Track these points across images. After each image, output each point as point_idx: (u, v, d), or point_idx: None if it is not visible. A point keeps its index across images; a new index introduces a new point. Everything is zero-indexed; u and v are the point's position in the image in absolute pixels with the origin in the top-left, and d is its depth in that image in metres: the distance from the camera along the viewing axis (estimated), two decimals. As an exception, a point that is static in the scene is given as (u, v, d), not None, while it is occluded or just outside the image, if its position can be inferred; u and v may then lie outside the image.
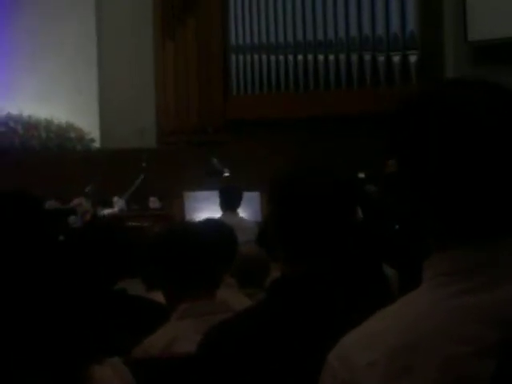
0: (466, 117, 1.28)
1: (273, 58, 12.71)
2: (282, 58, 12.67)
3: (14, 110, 12.88)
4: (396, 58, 12.30)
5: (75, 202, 10.07)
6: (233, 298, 3.28)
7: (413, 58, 12.24)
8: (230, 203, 8.14)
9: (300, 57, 12.62)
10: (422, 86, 11.66)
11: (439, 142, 1.27)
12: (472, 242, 1.27)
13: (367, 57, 12.40)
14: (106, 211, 10.77)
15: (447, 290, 1.26)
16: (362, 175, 9.58)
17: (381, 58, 12.35)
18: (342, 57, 12.48)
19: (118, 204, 11.31)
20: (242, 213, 8.44)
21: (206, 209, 8.81)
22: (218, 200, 8.32)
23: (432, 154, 1.28)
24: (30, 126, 12.86)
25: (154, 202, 11.74)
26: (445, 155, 1.27)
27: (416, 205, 1.32)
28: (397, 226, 6.24)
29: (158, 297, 3.56)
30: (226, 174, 10.70)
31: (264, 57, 12.74)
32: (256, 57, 12.76)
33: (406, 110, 1.36)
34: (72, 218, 9.43)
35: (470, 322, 1.22)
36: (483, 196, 1.26)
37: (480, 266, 1.26)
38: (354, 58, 12.44)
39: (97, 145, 13.12)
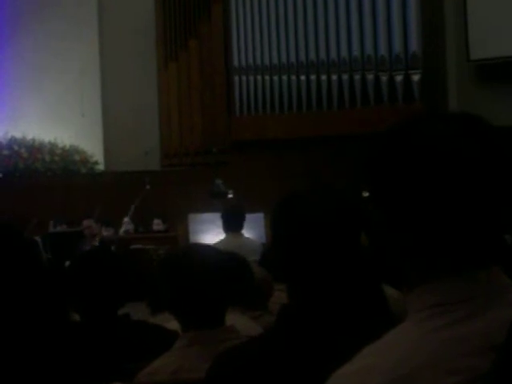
0: (442, 152, 1.26)
1: (276, 78, 12.73)
2: (285, 78, 12.69)
3: (17, 134, 12.90)
4: (399, 78, 12.31)
5: (85, 223, 10.06)
6: (239, 322, 3.24)
7: (416, 77, 12.26)
8: (232, 224, 8.09)
9: (303, 77, 12.64)
10: (425, 105, 11.69)
11: (416, 176, 1.26)
12: (455, 272, 1.27)
13: (370, 76, 12.42)
14: (107, 233, 10.75)
15: (434, 323, 1.25)
16: (366, 194, 9.57)
17: (384, 78, 12.36)
18: (345, 77, 12.49)
19: (126, 225, 11.31)
20: (246, 234, 8.41)
21: (210, 231, 8.78)
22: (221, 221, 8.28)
23: (409, 190, 1.27)
24: (34, 149, 12.88)
25: (158, 225, 11.73)
26: (422, 191, 1.26)
27: (394, 239, 1.31)
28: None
29: (164, 321, 3.54)
30: (230, 196, 10.68)
31: (267, 77, 12.76)
32: (259, 78, 12.78)
33: (381, 148, 1.34)
34: (82, 242, 9.41)
35: (460, 352, 1.21)
36: (463, 229, 1.25)
37: (464, 297, 1.25)
38: (357, 77, 12.46)
39: (101, 167, 13.13)
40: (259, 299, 4.26)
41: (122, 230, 11.37)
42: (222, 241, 7.72)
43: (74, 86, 13.08)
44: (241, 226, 8.09)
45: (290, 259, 1.98)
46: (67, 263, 4.75)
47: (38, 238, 8.49)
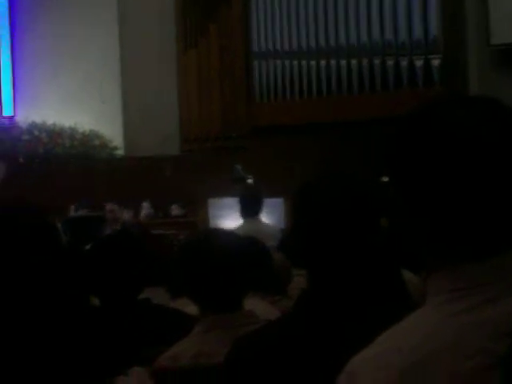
0: (462, 137, 1.26)
1: (295, 63, 12.69)
2: (304, 63, 12.65)
3: (37, 119, 12.94)
4: (419, 62, 12.24)
5: (108, 207, 10.09)
6: (259, 307, 3.25)
7: (436, 62, 12.18)
8: (250, 209, 8.06)
9: (323, 62, 12.59)
10: (445, 89, 11.63)
11: (436, 163, 1.26)
12: (474, 257, 1.26)
13: (390, 61, 12.36)
14: (128, 215, 10.79)
15: (452, 308, 1.25)
16: (386, 179, 9.54)
17: (403, 63, 12.30)
18: (365, 62, 12.43)
19: (145, 210, 11.34)
20: (265, 219, 8.40)
21: (229, 216, 8.78)
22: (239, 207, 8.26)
23: (429, 175, 1.27)
24: (55, 134, 12.92)
25: (175, 209, 11.75)
26: (442, 176, 1.26)
27: (413, 225, 1.32)
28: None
29: (183, 305, 3.55)
30: (250, 181, 10.68)
31: (287, 63, 12.72)
32: (278, 63, 12.74)
33: (401, 132, 1.34)
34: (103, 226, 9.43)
35: (476, 337, 1.21)
36: (484, 212, 1.25)
37: (483, 282, 1.25)
38: (377, 62, 12.40)
39: (121, 152, 13.16)
40: (278, 284, 4.27)
41: (141, 214, 11.41)
42: (239, 226, 7.71)
43: (94, 71, 13.09)
44: (258, 211, 8.07)
45: (310, 245, 1.99)
46: (87, 247, 4.76)
47: (58, 224, 8.53)
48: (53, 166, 12.43)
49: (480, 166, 1.24)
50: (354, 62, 12.46)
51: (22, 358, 2.17)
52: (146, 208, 11.36)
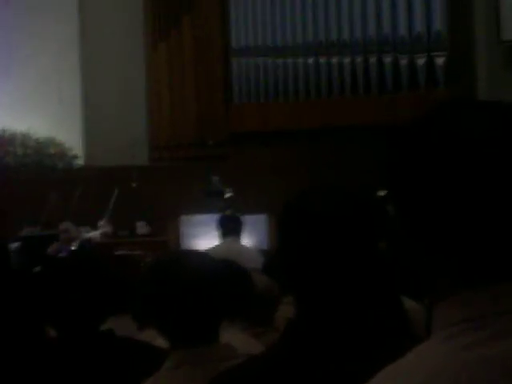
0: (473, 150, 1.25)
1: (280, 61, 12.72)
2: (290, 61, 12.68)
3: (-15, 124, 12.90)
4: (421, 61, 12.30)
5: (62, 227, 10.05)
6: (238, 339, 3.24)
7: (440, 60, 12.25)
8: (229, 228, 8.12)
9: (311, 60, 12.63)
10: (450, 91, 11.68)
11: (445, 176, 1.26)
12: (488, 284, 1.25)
13: (387, 59, 12.41)
14: (92, 234, 10.75)
15: (460, 342, 1.24)
16: (382, 193, 9.55)
17: (403, 61, 12.35)
18: (359, 59, 12.48)
19: (104, 228, 11.29)
20: (246, 238, 8.41)
21: (204, 235, 8.78)
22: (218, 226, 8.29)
23: (436, 191, 1.26)
24: (4, 141, 12.86)
25: (142, 227, 11.72)
26: (452, 190, 1.25)
27: (417, 246, 1.31)
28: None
29: (152, 337, 3.53)
30: (228, 195, 10.67)
31: (269, 60, 12.75)
32: (261, 60, 12.77)
33: (403, 144, 1.34)
34: (53, 247, 9.41)
35: (488, 377, 1.20)
36: (499, 233, 1.24)
37: (495, 313, 1.24)
38: (373, 60, 12.44)
39: (80, 162, 13.12)
40: (262, 313, 4.25)
41: (100, 233, 11.34)
42: (216, 247, 7.73)
43: (50, 69, 13.05)
44: (239, 231, 8.13)
45: (298, 267, 1.98)
46: (36, 269, 4.75)
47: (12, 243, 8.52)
48: (2, 176, 12.37)
49: (494, 180, 1.24)
50: (346, 60, 12.51)
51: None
52: (103, 226, 11.29)
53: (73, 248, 9.49)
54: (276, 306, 4.37)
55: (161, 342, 3.24)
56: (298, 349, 1.91)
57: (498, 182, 1.24)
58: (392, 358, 1.32)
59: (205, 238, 8.62)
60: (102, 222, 11.30)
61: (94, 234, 10.77)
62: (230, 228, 8.07)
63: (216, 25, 13.06)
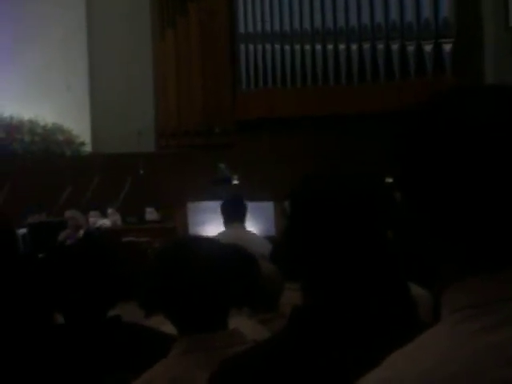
0: (482, 136, 1.25)
1: (287, 47, 12.70)
2: (297, 47, 12.66)
3: (-7, 111, 12.90)
4: (428, 47, 12.27)
5: (67, 214, 10.06)
6: (245, 326, 3.24)
7: (447, 47, 12.22)
8: (234, 215, 8.09)
9: (318, 46, 12.61)
10: (458, 78, 11.65)
11: (454, 162, 1.26)
12: (494, 270, 1.25)
13: (395, 46, 12.38)
14: (101, 222, 10.78)
15: (468, 328, 1.24)
16: (389, 180, 9.54)
17: (410, 48, 12.33)
18: (367, 46, 12.45)
19: (113, 216, 11.31)
20: (253, 225, 8.40)
21: (211, 221, 8.77)
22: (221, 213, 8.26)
23: (444, 177, 1.26)
24: (12, 128, 12.86)
25: (151, 214, 11.73)
26: (460, 176, 1.25)
27: (426, 232, 1.31)
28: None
29: (159, 323, 3.53)
30: (235, 182, 10.67)
31: (277, 46, 12.72)
32: (268, 46, 12.75)
33: (410, 130, 1.33)
34: (64, 233, 9.43)
35: (495, 364, 1.20)
36: (506, 219, 1.24)
37: (501, 299, 1.24)
38: (380, 47, 12.41)
39: (88, 149, 13.12)
40: (267, 299, 4.26)
41: (109, 220, 11.35)
42: (221, 234, 7.73)
43: (58, 56, 13.05)
44: (244, 217, 8.09)
45: (306, 253, 1.98)
46: (41, 256, 4.75)
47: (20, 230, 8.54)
48: (10, 164, 12.37)
49: (504, 166, 1.23)
50: (353, 46, 12.49)
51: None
52: (111, 215, 11.30)
53: (80, 235, 9.51)
54: (281, 290, 4.37)
55: (167, 328, 3.24)
56: (305, 335, 1.92)
57: (505, 167, 1.24)
58: (398, 345, 1.32)
59: (212, 225, 8.61)
60: (110, 211, 11.32)
61: (103, 223, 10.79)
62: (233, 213, 8.03)
63: (222, 10, 13.03)
